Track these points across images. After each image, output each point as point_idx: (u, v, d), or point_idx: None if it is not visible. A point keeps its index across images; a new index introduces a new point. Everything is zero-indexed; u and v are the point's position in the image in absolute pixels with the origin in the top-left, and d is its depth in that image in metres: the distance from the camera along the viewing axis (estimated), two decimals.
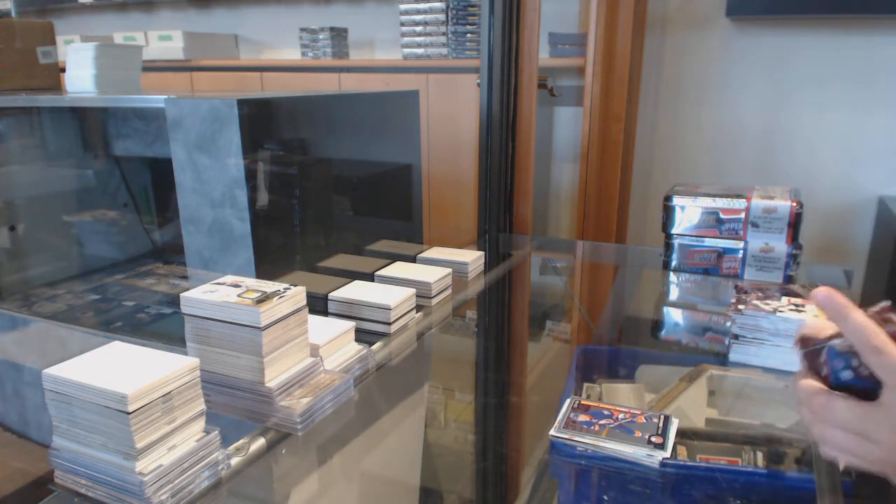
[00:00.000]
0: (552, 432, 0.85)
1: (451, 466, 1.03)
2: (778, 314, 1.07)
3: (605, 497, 0.80)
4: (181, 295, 0.95)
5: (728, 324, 1.12)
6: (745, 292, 1.17)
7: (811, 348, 0.55)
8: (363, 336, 1.19)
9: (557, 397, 0.95)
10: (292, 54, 3.46)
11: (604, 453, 0.82)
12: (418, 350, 1.24)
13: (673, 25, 2.55)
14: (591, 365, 1.13)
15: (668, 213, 1.46)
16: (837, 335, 0.53)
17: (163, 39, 3.43)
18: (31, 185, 1.91)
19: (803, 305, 1.11)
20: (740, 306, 1.11)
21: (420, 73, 2.79)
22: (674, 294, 1.47)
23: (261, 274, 1.23)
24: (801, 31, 2.35)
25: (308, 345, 0.99)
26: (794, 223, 1.35)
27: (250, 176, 1.20)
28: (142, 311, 1.67)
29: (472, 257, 1.54)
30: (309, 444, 0.93)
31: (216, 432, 0.83)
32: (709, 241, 1.43)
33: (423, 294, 1.36)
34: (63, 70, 1.90)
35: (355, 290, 1.29)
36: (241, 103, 1.17)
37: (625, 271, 1.79)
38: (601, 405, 0.90)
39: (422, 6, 2.86)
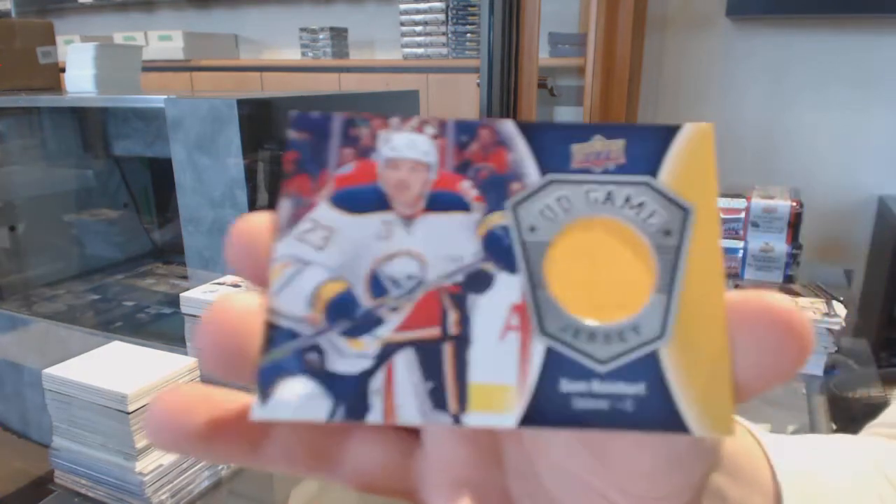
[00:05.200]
0: None
1: None
2: None
3: None
4: (181, 295, 0.95)
5: None
6: None
7: None
8: None
9: None
10: (292, 54, 3.46)
11: None
12: None
13: (673, 25, 2.55)
14: None
15: None
16: None
17: (163, 39, 3.43)
18: (30, 185, 1.91)
19: (803, 305, 1.11)
20: None
21: (420, 73, 2.79)
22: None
23: None
24: (801, 31, 2.35)
25: None
26: (795, 223, 1.35)
27: (250, 176, 1.20)
28: (142, 311, 1.67)
29: None
30: None
31: None
32: None
33: None
34: (63, 70, 1.90)
35: None
36: (241, 103, 1.17)
37: None
38: None
39: (422, 6, 2.86)
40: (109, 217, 2.04)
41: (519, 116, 1.89)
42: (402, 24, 2.93)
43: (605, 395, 0.17)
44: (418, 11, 2.88)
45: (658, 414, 0.17)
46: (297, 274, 0.18)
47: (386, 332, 0.18)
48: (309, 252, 0.18)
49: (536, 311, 0.18)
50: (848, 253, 2.42)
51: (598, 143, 0.18)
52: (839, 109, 2.36)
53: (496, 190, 0.18)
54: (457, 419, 0.17)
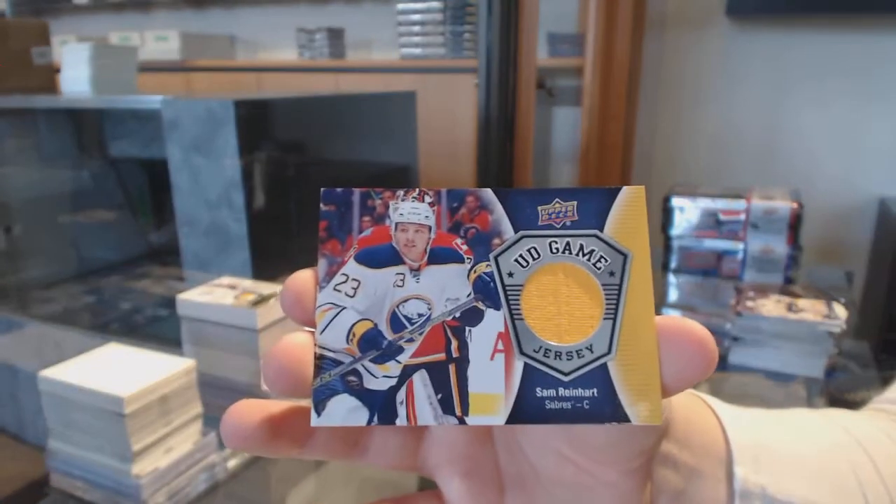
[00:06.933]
0: None
1: None
2: (778, 316, 1.07)
3: None
4: (177, 297, 0.94)
5: (728, 326, 1.12)
6: (745, 294, 1.17)
7: None
8: None
9: None
10: (289, 55, 3.46)
11: None
12: None
13: (672, 24, 2.55)
14: None
15: (666, 213, 1.45)
16: None
17: (159, 40, 3.42)
18: (26, 187, 1.90)
19: (803, 307, 1.10)
20: (740, 308, 1.10)
21: (417, 74, 2.78)
22: (673, 296, 1.47)
23: (258, 275, 1.22)
24: (801, 31, 2.35)
25: None
26: (795, 224, 1.34)
27: (247, 177, 1.20)
28: (138, 312, 1.66)
29: None
30: None
31: (213, 434, 0.82)
32: (708, 243, 1.42)
33: None
34: (58, 71, 1.89)
35: None
36: (238, 104, 1.16)
37: None
38: None
39: (419, 6, 2.86)
40: (105, 219, 2.03)
41: (517, 117, 1.89)
42: (400, 24, 2.93)
43: (568, 398, 0.22)
44: (416, 11, 2.88)
45: (607, 410, 0.22)
46: (336, 316, 0.24)
47: (405, 357, 0.23)
48: (343, 299, 0.24)
49: (516, 337, 0.23)
50: (849, 254, 2.42)
51: (557, 204, 0.24)
52: (840, 110, 2.36)
53: (481, 245, 0.24)
54: (461, 420, 0.23)
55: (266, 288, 0.95)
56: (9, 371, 1.56)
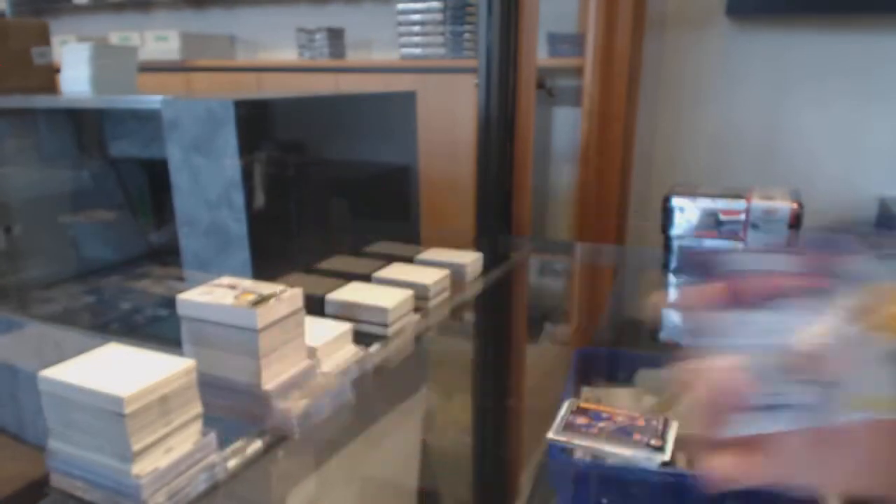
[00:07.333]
0: (550, 435, 0.85)
1: (448, 469, 1.03)
2: None
3: (604, 500, 0.80)
4: (177, 297, 0.94)
5: None
6: None
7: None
8: (361, 338, 1.18)
9: (556, 400, 0.94)
10: (289, 55, 3.46)
11: (602, 456, 0.81)
12: (416, 352, 1.24)
13: (672, 24, 2.55)
14: (590, 368, 1.12)
15: (666, 214, 1.45)
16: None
17: (159, 40, 3.42)
18: (26, 187, 1.90)
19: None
20: None
21: (417, 74, 2.78)
22: (673, 296, 1.46)
23: (257, 276, 1.22)
24: (801, 31, 2.35)
25: (305, 347, 0.98)
26: (795, 224, 1.34)
27: (247, 177, 1.20)
28: (138, 312, 1.66)
29: (470, 259, 1.53)
30: (306, 446, 0.92)
31: (213, 435, 0.82)
32: (708, 243, 1.42)
33: (420, 296, 1.35)
34: (58, 71, 1.89)
35: (353, 292, 1.29)
36: (238, 104, 1.16)
37: (624, 273, 1.79)
38: (600, 407, 0.90)
39: (419, 6, 2.86)
40: (105, 219, 2.03)
41: (517, 117, 1.89)
42: (400, 24, 2.93)
43: None
44: (416, 11, 2.88)
45: None
46: (743, 355, 0.31)
47: (800, 376, 0.29)
48: (743, 342, 0.30)
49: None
50: None
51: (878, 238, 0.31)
52: (840, 110, 2.36)
53: (835, 279, 0.30)
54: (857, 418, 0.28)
55: (266, 288, 0.94)
56: (9, 371, 1.56)
